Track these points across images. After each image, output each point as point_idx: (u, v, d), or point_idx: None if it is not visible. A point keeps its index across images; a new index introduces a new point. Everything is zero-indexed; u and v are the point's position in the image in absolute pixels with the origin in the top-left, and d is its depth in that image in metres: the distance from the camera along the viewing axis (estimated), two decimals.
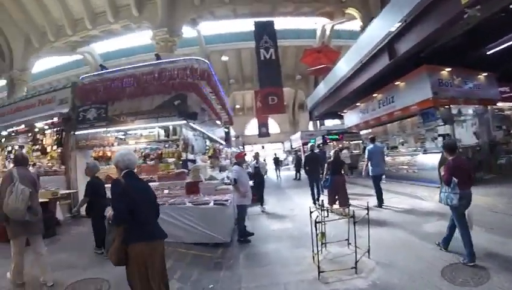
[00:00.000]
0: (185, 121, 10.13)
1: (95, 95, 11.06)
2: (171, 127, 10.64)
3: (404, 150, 14.87)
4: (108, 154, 10.97)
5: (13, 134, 13.46)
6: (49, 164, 11.44)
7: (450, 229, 5.02)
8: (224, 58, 29.98)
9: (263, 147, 44.92)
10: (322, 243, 5.30)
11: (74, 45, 24.72)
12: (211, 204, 6.85)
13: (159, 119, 10.30)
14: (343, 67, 16.43)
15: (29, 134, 12.86)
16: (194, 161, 10.84)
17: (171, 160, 10.65)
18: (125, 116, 10.62)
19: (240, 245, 6.70)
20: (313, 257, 4.95)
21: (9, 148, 13.99)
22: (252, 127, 45.79)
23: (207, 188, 8.44)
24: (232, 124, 21.51)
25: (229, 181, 8.73)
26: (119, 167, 3.58)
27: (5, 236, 4.99)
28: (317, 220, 4.57)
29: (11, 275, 4.83)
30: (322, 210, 5.32)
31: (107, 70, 11.90)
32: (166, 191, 8.75)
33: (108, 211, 3.49)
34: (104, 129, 11.04)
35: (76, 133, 11.49)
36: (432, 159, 11.18)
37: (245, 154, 8.93)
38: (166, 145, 10.86)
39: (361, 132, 20.28)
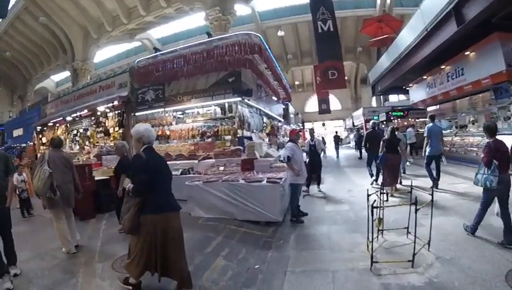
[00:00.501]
0: (239, 98, 9.95)
1: (152, 77, 11.40)
2: (226, 105, 10.59)
3: (474, 130, 13.10)
4: (167, 132, 11.34)
5: (77, 119, 14.41)
6: (111, 144, 12.00)
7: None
8: (281, 33, 28.99)
9: (323, 125, 43.68)
10: (378, 230, 4.88)
11: (131, 33, 25.53)
12: (264, 182, 6.62)
13: (214, 97, 10.27)
14: (406, 36, 14.92)
15: (93, 118, 13.73)
16: (250, 138, 10.70)
17: (227, 137, 10.64)
18: (182, 95, 10.79)
19: (292, 225, 6.41)
20: (367, 244, 4.54)
21: (75, 131, 15.01)
22: (312, 104, 44.51)
23: (262, 166, 8.29)
24: (290, 100, 20.99)
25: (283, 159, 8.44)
26: (143, 141, 3.69)
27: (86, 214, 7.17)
28: (374, 205, 4.07)
29: (62, 244, 5.42)
30: (381, 193, 4.87)
31: (161, 52, 12.05)
32: (221, 168, 8.72)
33: (127, 183, 3.64)
34: (162, 109, 11.36)
35: (137, 114, 11.99)
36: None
37: (299, 132, 8.42)
38: (223, 123, 10.83)
39: (428, 109, 18.49)
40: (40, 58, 30.04)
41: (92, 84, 14.56)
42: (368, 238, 4.47)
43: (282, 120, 19.66)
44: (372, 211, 4.09)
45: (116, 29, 24.09)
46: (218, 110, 11.00)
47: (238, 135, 10.35)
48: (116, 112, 12.66)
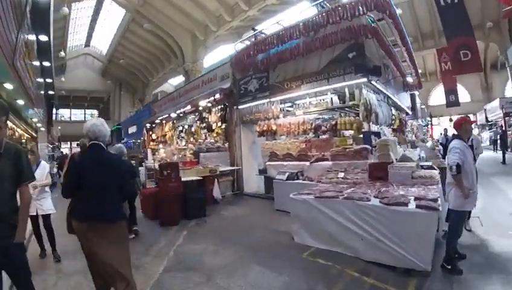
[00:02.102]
0: (365, 79, 7.48)
1: (254, 63, 9.69)
2: (346, 90, 8.24)
3: None
4: (274, 127, 9.62)
5: (181, 115, 13.98)
6: (211, 140, 10.70)
7: None
8: (398, 11, 24.96)
9: (451, 120, 37.42)
10: None
11: (238, 31, 24.81)
12: (412, 206, 4.14)
13: (330, 80, 7.96)
14: None
15: (196, 113, 13.10)
16: (378, 135, 8.24)
17: (348, 133, 8.51)
18: (289, 82, 8.88)
19: (446, 277, 3.86)
20: None
21: (180, 127, 14.55)
22: (436, 96, 38.61)
23: (400, 174, 5.77)
24: (421, 87, 17.26)
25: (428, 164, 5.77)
26: (89, 137, 3.26)
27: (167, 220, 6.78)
28: None
29: None
30: None
31: (259, 30, 10.37)
32: (341, 175, 6.58)
33: None
34: (267, 100, 9.60)
35: (240, 107, 10.65)
36: None
37: (468, 121, 4.94)
38: (342, 114, 8.50)
39: None
40: (154, 64, 31.75)
41: (195, 80, 13.83)
42: None
43: (410, 113, 16.24)
44: None
45: (221, 29, 23.57)
46: (335, 98, 8.77)
47: (363, 130, 7.96)
48: (219, 106, 11.55)
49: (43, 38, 9.00)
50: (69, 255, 4.93)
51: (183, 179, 7.63)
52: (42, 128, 11.66)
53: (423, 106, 25.63)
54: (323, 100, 9.04)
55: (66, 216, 3.20)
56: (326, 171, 7.00)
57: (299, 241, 5.17)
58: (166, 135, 15.45)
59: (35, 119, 9.60)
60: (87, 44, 32.67)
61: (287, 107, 10.22)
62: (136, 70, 34.23)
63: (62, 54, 24.81)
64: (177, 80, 35.31)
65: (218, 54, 32.24)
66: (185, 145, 13.60)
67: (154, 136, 17.23)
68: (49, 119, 18.53)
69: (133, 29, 26.33)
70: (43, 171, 4.91)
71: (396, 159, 6.45)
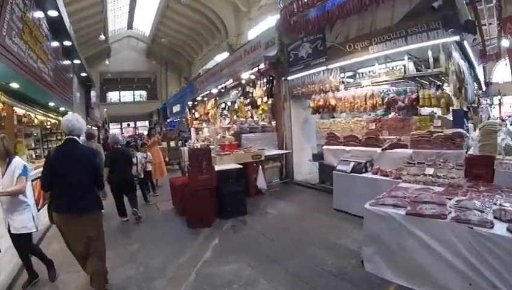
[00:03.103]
0: (457, 37, 5.40)
1: (305, 22, 7.76)
2: (429, 53, 6.06)
3: None
4: (332, 102, 7.65)
5: (223, 90, 12.44)
6: (255, 119, 9.09)
7: None
8: None
9: None
10: None
11: None
12: None
13: (408, 38, 5.89)
14: None
15: (239, 88, 11.44)
16: (465, 114, 6.16)
17: (431, 110, 6.45)
18: (353, 42, 6.92)
19: None
20: None
21: (223, 105, 13.03)
22: (500, 72, 33.20)
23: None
24: (500, 57, 14.16)
25: None
26: (64, 132, 3.41)
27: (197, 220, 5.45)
28: None
29: None
30: None
31: None
32: (430, 171, 4.63)
33: None
34: (324, 68, 7.74)
35: (289, 78, 8.90)
36: None
37: None
38: (424, 85, 6.39)
39: None
40: (198, 41, 30.34)
41: (236, 50, 12.13)
42: None
43: (483, 88, 13.40)
44: None
45: None
46: (411, 65, 6.68)
47: (453, 107, 5.80)
48: (264, 79, 9.80)
49: (53, 13, 7.81)
50: None
51: (219, 167, 6.20)
52: (70, 112, 10.86)
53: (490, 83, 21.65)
54: (395, 67, 6.97)
55: (47, 207, 3.57)
56: (407, 162, 5.08)
57: (373, 271, 3.47)
58: (208, 113, 14.05)
59: (52, 104, 8.55)
60: (130, 26, 32.24)
61: (347, 78, 8.24)
62: (180, 49, 33.22)
63: (102, 37, 24.08)
64: (223, 56, 34.11)
65: (264, 27, 30.44)
66: (228, 124, 12.23)
67: (197, 115, 15.96)
68: (87, 101, 17.93)
69: (173, 6, 25.13)
70: (12, 173, 3.44)
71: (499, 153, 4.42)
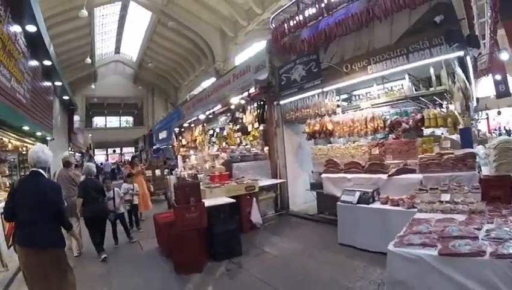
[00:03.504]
0: (461, 52, 5.11)
1: (298, 44, 7.42)
2: (432, 70, 5.70)
3: None
4: (329, 127, 7.12)
5: (211, 116, 11.91)
6: (247, 146, 8.57)
7: None
8: None
9: (499, 113, 32.45)
10: None
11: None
12: None
13: (409, 55, 5.59)
14: None
15: (228, 114, 10.92)
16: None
17: (431, 131, 6.11)
18: (349, 63, 6.51)
19: None
20: None
21: (211, 131, 12.48)
22: (483, 86, 33.55)
23: None
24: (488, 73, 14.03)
25: None
26: (30, 164, 3.44)
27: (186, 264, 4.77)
28: None
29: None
30: None
31: None
32: (446, 198, 4.11)
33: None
34: (319, 90, 7.35)
35: (281, 102, 8.50)
36: None
37: None
38: (428, 105, 6.03)
39: None
40: (185, 67, 30.39)
41: (225, 74, 11.78)
42: None
43: (475, 103, 13.22)
44: None
45: (252, 23, 21.34)
46: (409, 85, 6.28)
47: (460, 126, 5.36)
48: (255, 104, 9.33)
49: (31, 28, 7.25)
50: None
51: (210, 201, 5.54)
52: (48, 138, 10.14)
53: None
54: (394, 88, 6.63)
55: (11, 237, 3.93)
56: (418, 189, 4.56)
57: None
58: (196, 140, 13.45)
59: (26, 128, 7.80)
60: (117, 51, 32.07)
61: (342, 101, 7.84)
62: (167, 74, 33.20)
63: (88, 60, 23.82)
64: (210, 82, 34.10)
65: (251, 53, 30.55)
66: (217, 151, 11.66)
67: (184, 142, 15.30)
68: (70, 126, 17.17)
69: (160, 32, 25.36)
70: None
71: None
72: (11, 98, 6.48)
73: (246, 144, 9.39)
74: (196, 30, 23.24)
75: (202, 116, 11.85)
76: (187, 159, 13.96)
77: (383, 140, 6.57)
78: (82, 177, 6.42)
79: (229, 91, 10.20)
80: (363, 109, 6.69)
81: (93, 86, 32.86)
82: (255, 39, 22.31)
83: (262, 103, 8.99)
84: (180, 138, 15.82)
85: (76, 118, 19.10)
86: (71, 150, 17.64)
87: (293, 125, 8.63)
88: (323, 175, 6.68)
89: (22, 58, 7.32)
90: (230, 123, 10.67)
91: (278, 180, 8.00)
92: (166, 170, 13.64)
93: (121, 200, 6.97)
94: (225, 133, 10.98)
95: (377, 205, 4.95)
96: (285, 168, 8.32)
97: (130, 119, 40.54)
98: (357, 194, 5.11)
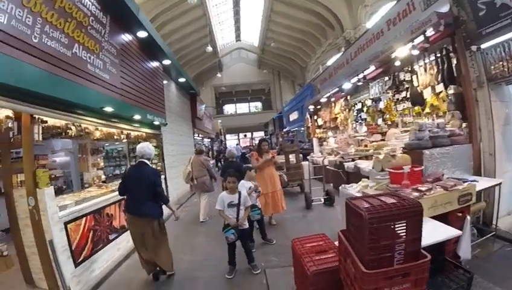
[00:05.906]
0: None
1: None
2: None
3: None
4: None
5: (360, 83, 8.63)
6: (439, 121, 5.47)
7: None
8: None
9: None
10: None
11: None
12: None
13: None
14: None
15: (386, 78, 7.57)
16: None
17: None
18: None
19: None
20: None
21: (358, 104, 9.59)
22: None
23: None
24: None
25: None
26: (137, 155, 4.71)
27: None
28: None
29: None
30: None
31: None
32: None
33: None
34: None
35: (483, 46, 4.96)
36: None
37: None
38: None
39: None
40: (310, 43, 27.83)
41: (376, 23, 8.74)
42: None
43: None
44: None
45: None
46: None
47: None
48: (431, 56, 5.92)
49: (142, 34, 8.14)
50: None
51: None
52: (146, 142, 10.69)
53: None
54: None
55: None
56: None
57: None
58: (337, 117, 10.71)
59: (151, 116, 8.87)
60: (238, 39, 32.82)
61: None
62: (292, 55, 31.47)
63: (209, 48, 24.07)
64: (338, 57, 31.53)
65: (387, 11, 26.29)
66: (365, 133, 8.74)
67: (320, 122, 12.83)
68: (193, 113, 17.10)
69: (277, 9, 23.93)
70: None
71: None
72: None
73: (425, 119, 6.21)
74: (323, 2, 20.71)
75: (348, 85, 8.76)
76: (324, 142, 11.64)
77: None
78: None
79: (385, 44, 7.15)
80: None
81: (219, 75, 34.58)
82: None
83: (445, 51, 5.63)
84: (316, 117, 13.37)
85: (202, 106, 19.39)
86: (199, 136, 18.66)
87: (500, 86, 5.14)
88: None
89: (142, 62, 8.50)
90: (389, 91, 7.44)
91: (492, 183, 4.51)
92: (301, 155, 11.40)
93: (246, 210, 4.74)
94: (381, 105, 7.85)
95: None
96: (493, 156, 4.98)
97: (259, 104, 42.30)
98: None
